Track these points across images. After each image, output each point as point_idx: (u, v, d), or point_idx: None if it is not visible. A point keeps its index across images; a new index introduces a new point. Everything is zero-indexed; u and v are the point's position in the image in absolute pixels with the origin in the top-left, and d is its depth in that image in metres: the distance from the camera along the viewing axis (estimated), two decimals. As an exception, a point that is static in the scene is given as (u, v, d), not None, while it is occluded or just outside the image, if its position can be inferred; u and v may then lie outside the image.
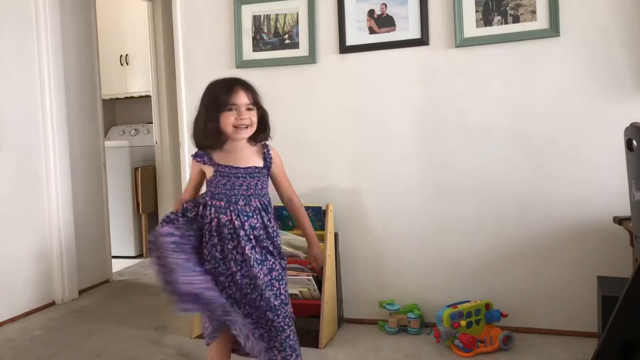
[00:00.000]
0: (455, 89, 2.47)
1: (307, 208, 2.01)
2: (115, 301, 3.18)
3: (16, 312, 2.90)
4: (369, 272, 2.60)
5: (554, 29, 2.30)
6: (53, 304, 3.14)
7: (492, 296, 2.41)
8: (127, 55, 4.78)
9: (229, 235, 1.61)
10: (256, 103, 1.66)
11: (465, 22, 2.42)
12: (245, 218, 1.62)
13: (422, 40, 2.48)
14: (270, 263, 1.65)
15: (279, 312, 1.64)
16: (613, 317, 1.65)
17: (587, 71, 2.31)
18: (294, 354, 1.66)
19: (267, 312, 1.63)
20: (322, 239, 2.33)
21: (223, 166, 1.65)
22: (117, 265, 3.99)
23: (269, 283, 1.63)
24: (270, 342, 1.65)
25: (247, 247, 1.61)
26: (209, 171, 1.67)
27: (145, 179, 4.41)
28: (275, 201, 1.77)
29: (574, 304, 2.36)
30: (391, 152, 2.57)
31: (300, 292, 2.39)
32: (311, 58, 2.62)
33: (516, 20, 2.36)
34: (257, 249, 1.63)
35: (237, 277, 1.62)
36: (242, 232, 1.61)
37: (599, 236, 2.31)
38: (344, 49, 2.59)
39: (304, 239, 1.81)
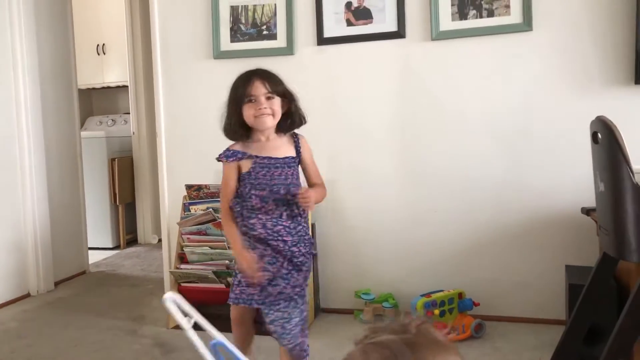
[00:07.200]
0: (431, 82, 2.50)
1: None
2: (91, 292, 3.17)
3: (-10, 303, 2.87)
4: (345, 262, 2.64)
5: (526, 24, 2.35)
6: (28, 295, 3.12)
7: (465, 285, 2.46)
8: (103, 44, 4.72)
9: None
10: (277, 91, 1.67)
11: (441, 15, 2.45)
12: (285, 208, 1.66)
13: (399, 33, 2.51)
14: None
15: None
16: (579, 304, 1.71)
17: (558, 65, 2.36)
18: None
19: None
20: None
21: (262, 157, 1.67)
22: (94, 257, 3.96)
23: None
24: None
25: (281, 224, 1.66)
26: (246, 165, 1.67)
27: (123, 169, 4.37)
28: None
29: (544, 292, 2.43)
30: (368, 143, 2.60)
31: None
32: (289, 49, 2.63)
33: (491, 14, 2.40)
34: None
35: None
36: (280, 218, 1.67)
37: (568, 226, 2.38)
38: (322, 40, 2.60)
39: None
